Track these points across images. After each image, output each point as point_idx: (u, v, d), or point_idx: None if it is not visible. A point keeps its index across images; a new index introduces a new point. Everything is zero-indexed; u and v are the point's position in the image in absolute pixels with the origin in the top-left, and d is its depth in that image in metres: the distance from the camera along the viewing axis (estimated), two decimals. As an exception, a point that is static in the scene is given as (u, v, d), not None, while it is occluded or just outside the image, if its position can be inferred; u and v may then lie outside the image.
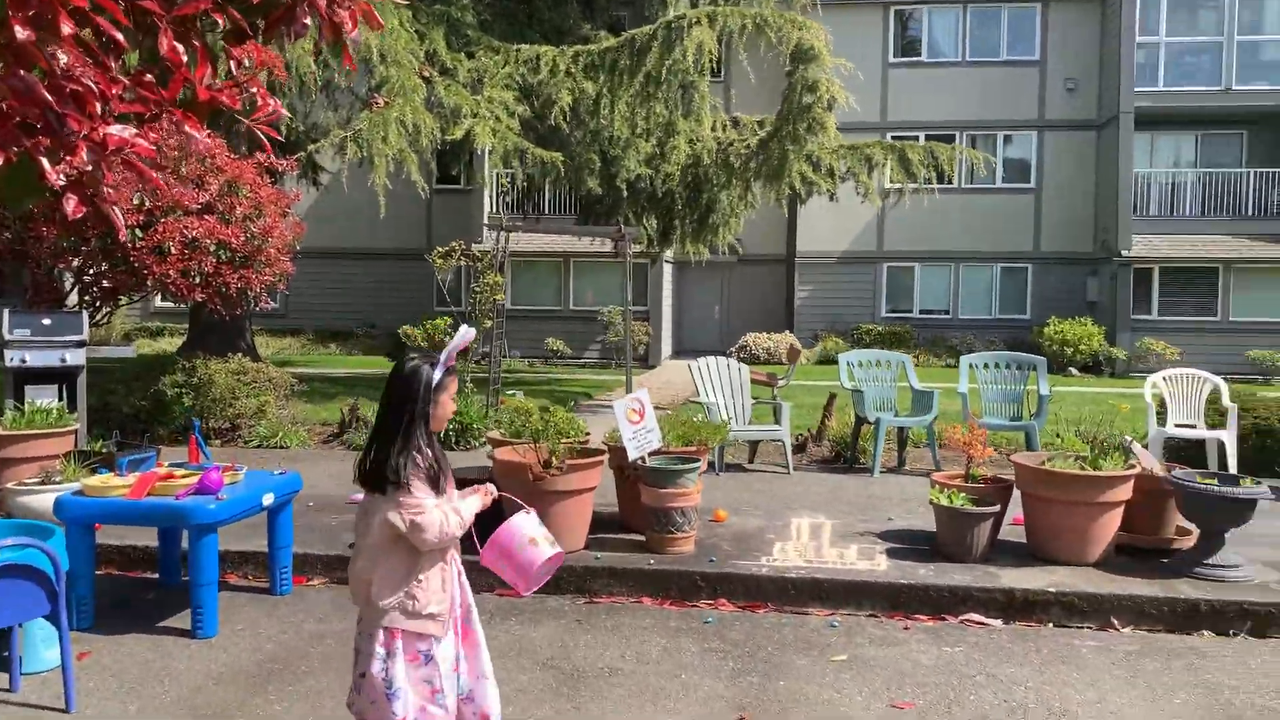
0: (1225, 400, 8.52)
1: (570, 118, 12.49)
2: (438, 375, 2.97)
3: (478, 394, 10.94)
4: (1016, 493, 5.89)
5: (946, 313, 24.79)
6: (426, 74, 11.83)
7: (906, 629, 5.02)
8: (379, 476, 2.92)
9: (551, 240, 22.37)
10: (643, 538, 5.86)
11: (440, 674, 2.97)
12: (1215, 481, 5.29)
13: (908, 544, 5.99)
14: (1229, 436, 8.18)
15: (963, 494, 5.66)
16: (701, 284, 25.90)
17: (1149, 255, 22.30)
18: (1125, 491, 5.43)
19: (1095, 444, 9.80)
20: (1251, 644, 4.87)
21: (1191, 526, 5.61)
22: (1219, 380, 8.61)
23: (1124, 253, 22.28)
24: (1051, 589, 5.12)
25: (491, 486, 3.23)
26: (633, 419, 5.61)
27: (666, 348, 23.77)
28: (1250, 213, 22.92)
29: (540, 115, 12.44)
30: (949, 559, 5.57)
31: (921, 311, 24.78)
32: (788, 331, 23.98)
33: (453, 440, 9.55)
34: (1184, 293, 22.70)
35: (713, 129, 13.81)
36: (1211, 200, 23.08)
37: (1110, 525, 5.47)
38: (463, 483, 3.38)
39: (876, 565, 5.51)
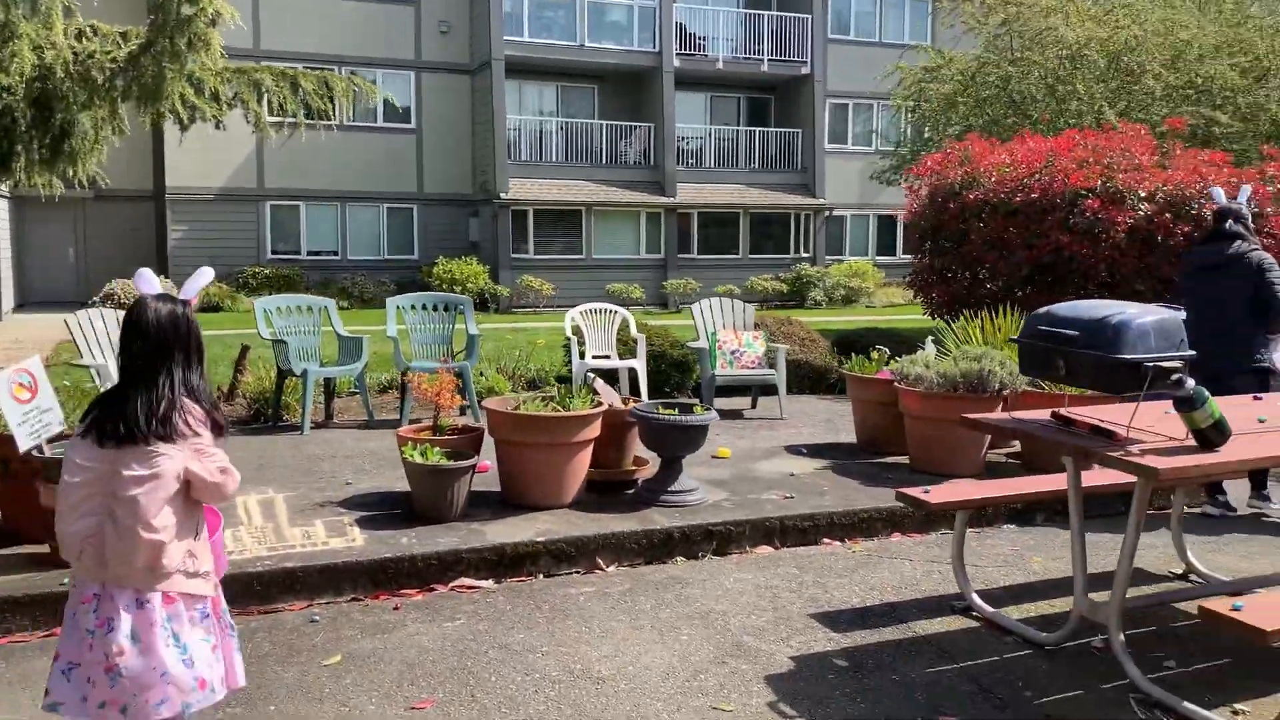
0: (633, 331, 9.11)
1: None
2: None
3: None
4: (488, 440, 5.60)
5: (336, 254, 24.10)
6: None
7: (397, 609, 4.46)
8: (167, 425, 2.73)
9: None
10: (44, 549, 4.54)
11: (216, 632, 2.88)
12: (676, 412, 5.47)
13: (379, 509, 5.39)
14: (640, 364, 8.76)
15: (437, 449, 5.20)
16: (48, 223, 22.15)
17: (524, 198, 23.68)
18: (596, 429, 5.40)
19: (515, 379, 10.03)
20: (718, 564, 5.12)
21: (650, 455, 5.79)
22: (626, 313, 9.18)
23: (502, 195, 23.39)
24: (540, 538, 4.91)
25: None
26: (20, 396, 4.24)
27: (7, 299, 19.97)
28: (604, 160, 25.38)
29: None
30: (430, 521, 5.10)
31: (310, 253, 23.80)
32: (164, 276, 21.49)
33: None
34: (555, 233, 24.53)
35: (69, 36, 11.50)
36: (573, 148, 25.13)
37: (584, 464, 5.42)
38: None
39: (353, 540, 4.85)
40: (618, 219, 25.05)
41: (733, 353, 8.86)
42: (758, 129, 27.09)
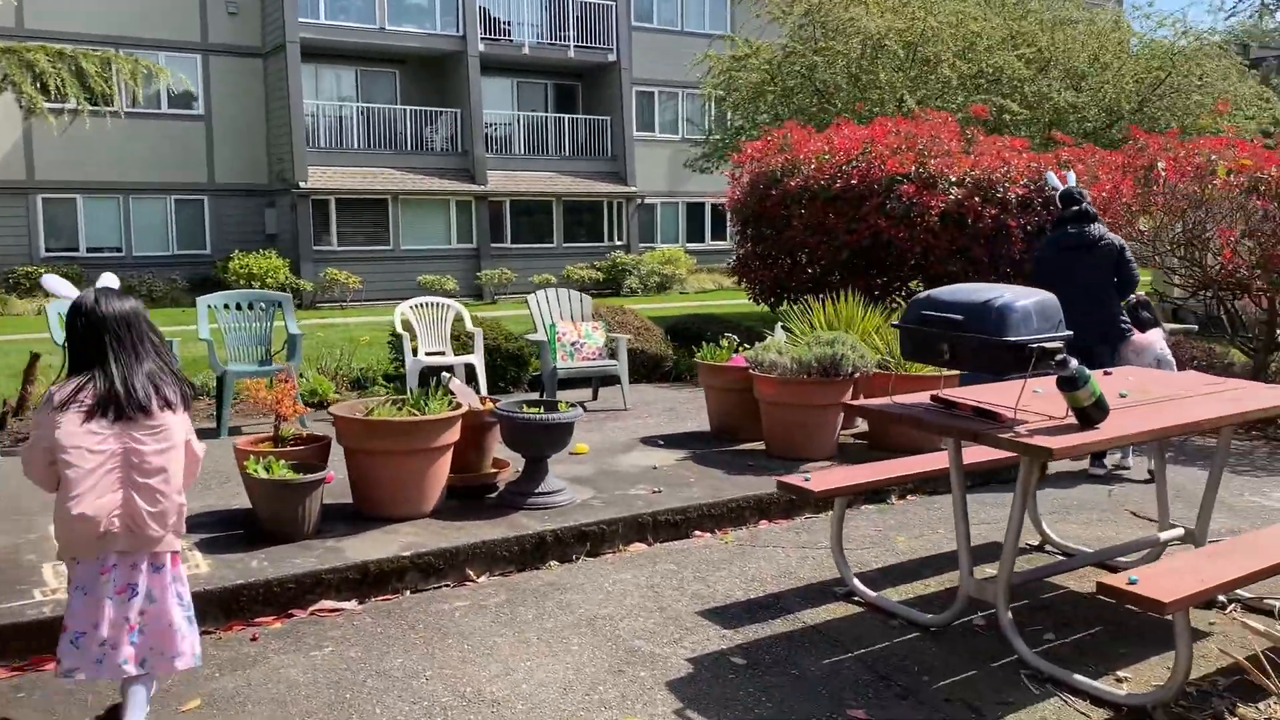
0: (469, 325, 8.79)
1: None
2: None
3: None
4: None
5: (120, 250, 22.39)
6: None
7: (256, 640, 4.06)
8: (170, 397, 3.11)
9: None
10: None
11: None
12: (540, 410, 5.25)
13: (220, 531, 4.91)
14: (478, 360, 8.45)
15: (283, 461, 4.79)
16: None
17: (325, 187, 22.68)
18: (456, 432, 5.11)
19: (338, 379, 9.50)
20: (594, 565, 4.94)
21: (511, 456, 5.54)
22: (460, 306, 8.84)
23: (301, 184, 22.33)
24: (406, 552, 4.59)
25: None
26: None
27: None
28: (409, 147, 24.61)
29: None
30: (280, 540, 4.68)
31: (90, 249, 22.03)
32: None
33: None
34: (360, 224, 23.61)
35: None
36: (376, 134, 24.22)
37: (444, 470, 5.12)
38: None
39: (197, 567, 4.39)
40: (426, 208, 24.36)
41: (573, 344, 8.68)
42: (566, 116, 26.92)
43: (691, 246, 28.64)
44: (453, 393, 5.36)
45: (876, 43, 15.26)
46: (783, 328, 6.77)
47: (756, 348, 6.25)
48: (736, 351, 6.85)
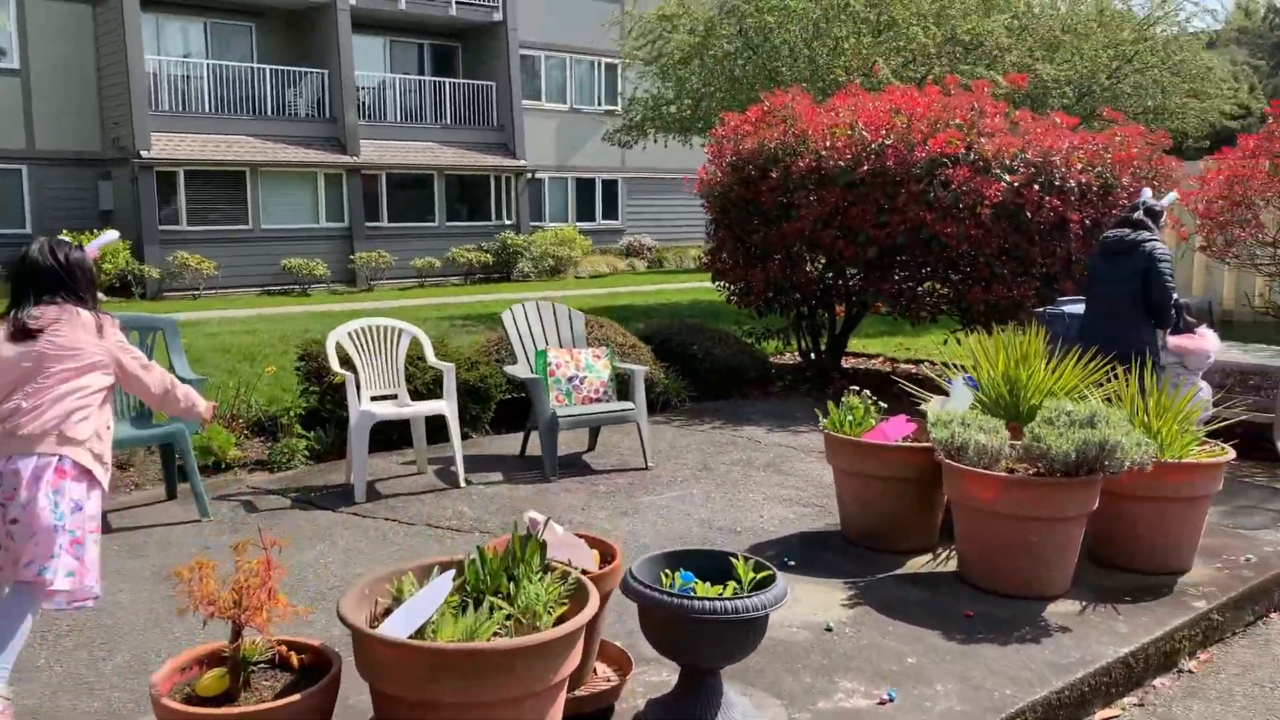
0: (432, 357, 6.45)
1: None
2: None
3: None
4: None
5: (-87, 230, 18.59)
6: None
7: None
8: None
9: None
10: None
11: None
12: (726, 589, 2.98)
13: None
14: (449, 407, 6.12)
15: None
16: None
17: (171, 157, 19.45)
18: (580, 652, 2.81)
19: (233, 424, 7.00)
20: None
21: (644, 650, 3.32)
22: (419, 331, 6.47)
23: (143, 154, 19.06)
24: None
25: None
26: None
27: None
28: (270, 112, 21.52)
29: None
30: None
31: (-126, 229, 18.16)
32: None
33: None
34: (214, 200, 20.41)
35: None
36: (230, 97, 21.02)
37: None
38: None
39: None
40: (291, 181, 21.32)
41: (570, 380, 6.47)
42: (447, 80, 24.16)
43: (583, 226, 26.39)
44: (545, 544, 3.00)
45: (841, 1, 13.37)
46: (967, 383, 4.61)
47: (937, 417, 4.16)
48: (876, 417, 4.68)
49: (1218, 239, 7.24)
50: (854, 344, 11.14)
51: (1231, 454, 4.27)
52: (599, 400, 6.50)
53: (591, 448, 6.96)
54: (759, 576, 2.99)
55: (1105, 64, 14.08)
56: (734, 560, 3.02)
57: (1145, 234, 5.75)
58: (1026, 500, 3.81)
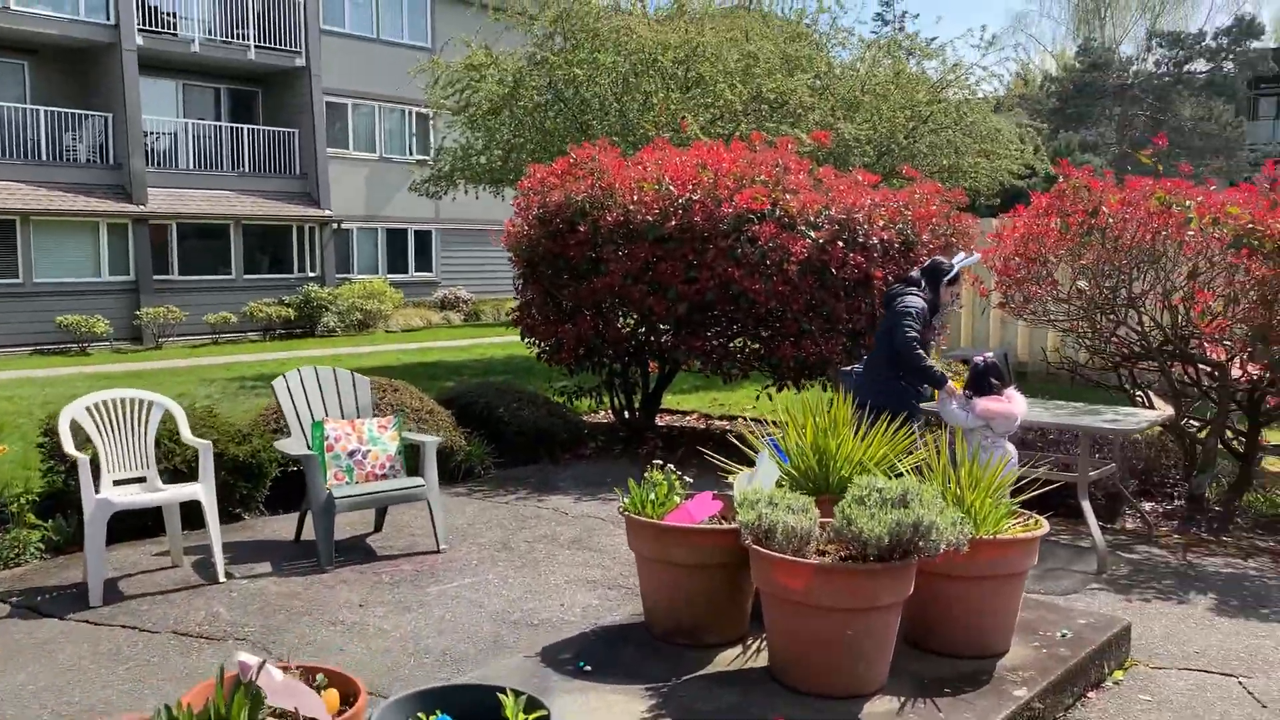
0: (187, 434, 5.67)
1: None
2: None
3: None
4: None
5: None
6: None
7: None
8: None
9: None
10: None
11: None
12: None
13: None
14: (205, 491, 5.36)
15: None
16: None
17: (-74, 204, 17.54)
18: None
19: None
20: None
21: None
22: (171, 403, 5.69)
23: (-110, 199, 17.09)
24: None
25: None
26: None
27: None
28: (46, 157, 19.83)
29: None
30: None
31: None
32: None
33: None
34: (-23, 251, 18.53)
35: None
36: (2, 140, 19.24)
37: None
38: None
39: None
40: (68, 232, 19.64)
41: (351, 455, 5.83)
42: (246, 126, 22.92)
43: (394, 278, 25.46)
44: (259, 694, 2.42)
45: (649, 57, 13.27)
46: (774, 453, 4.19)
47: (744, 496, 3.77)
48: (682, 493, 4.25)
49: (1015, 296, 7.27)
50: (668, 400, 10.86)
51: (1046, 527, 4.06)
52: (385, 476, 5.88)
53: (378, 528, 6.30)
54: (532, 718, 2.49)
55: (903, 124, 14.51)
56: (502, 698, 2.51)
57: (908, 289, 5.97)
58: (839, 589, 3.46)
